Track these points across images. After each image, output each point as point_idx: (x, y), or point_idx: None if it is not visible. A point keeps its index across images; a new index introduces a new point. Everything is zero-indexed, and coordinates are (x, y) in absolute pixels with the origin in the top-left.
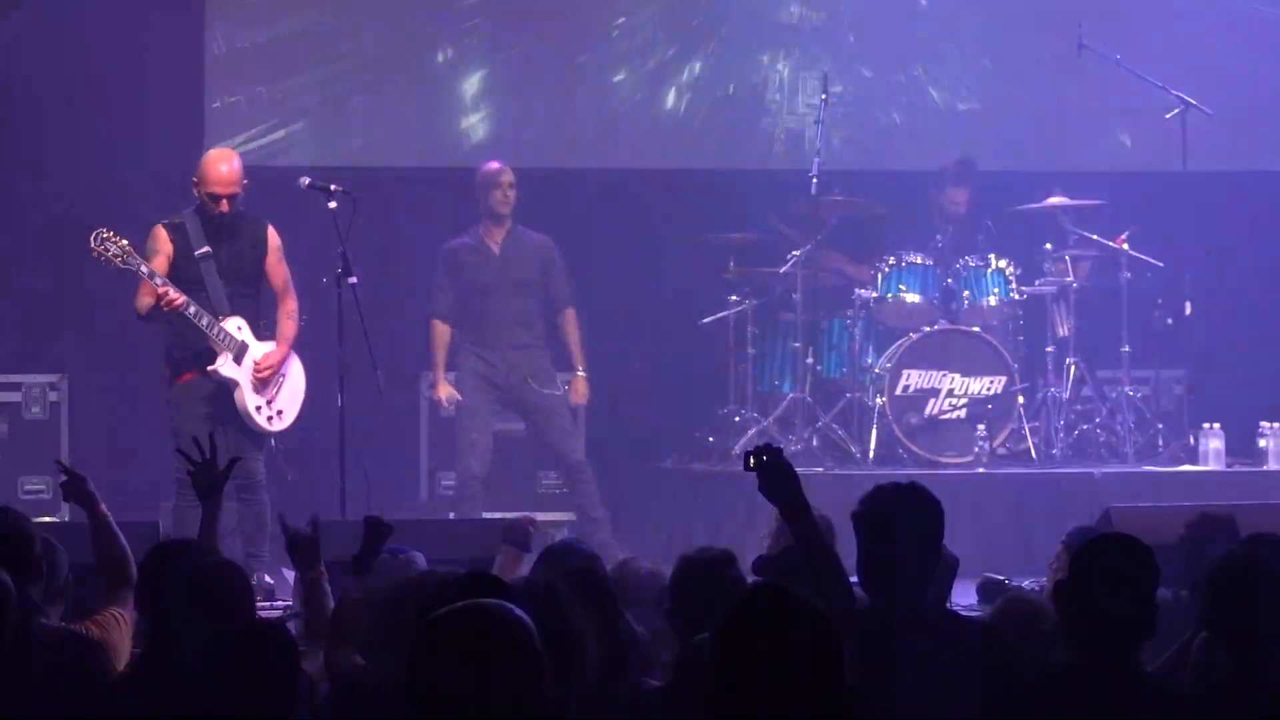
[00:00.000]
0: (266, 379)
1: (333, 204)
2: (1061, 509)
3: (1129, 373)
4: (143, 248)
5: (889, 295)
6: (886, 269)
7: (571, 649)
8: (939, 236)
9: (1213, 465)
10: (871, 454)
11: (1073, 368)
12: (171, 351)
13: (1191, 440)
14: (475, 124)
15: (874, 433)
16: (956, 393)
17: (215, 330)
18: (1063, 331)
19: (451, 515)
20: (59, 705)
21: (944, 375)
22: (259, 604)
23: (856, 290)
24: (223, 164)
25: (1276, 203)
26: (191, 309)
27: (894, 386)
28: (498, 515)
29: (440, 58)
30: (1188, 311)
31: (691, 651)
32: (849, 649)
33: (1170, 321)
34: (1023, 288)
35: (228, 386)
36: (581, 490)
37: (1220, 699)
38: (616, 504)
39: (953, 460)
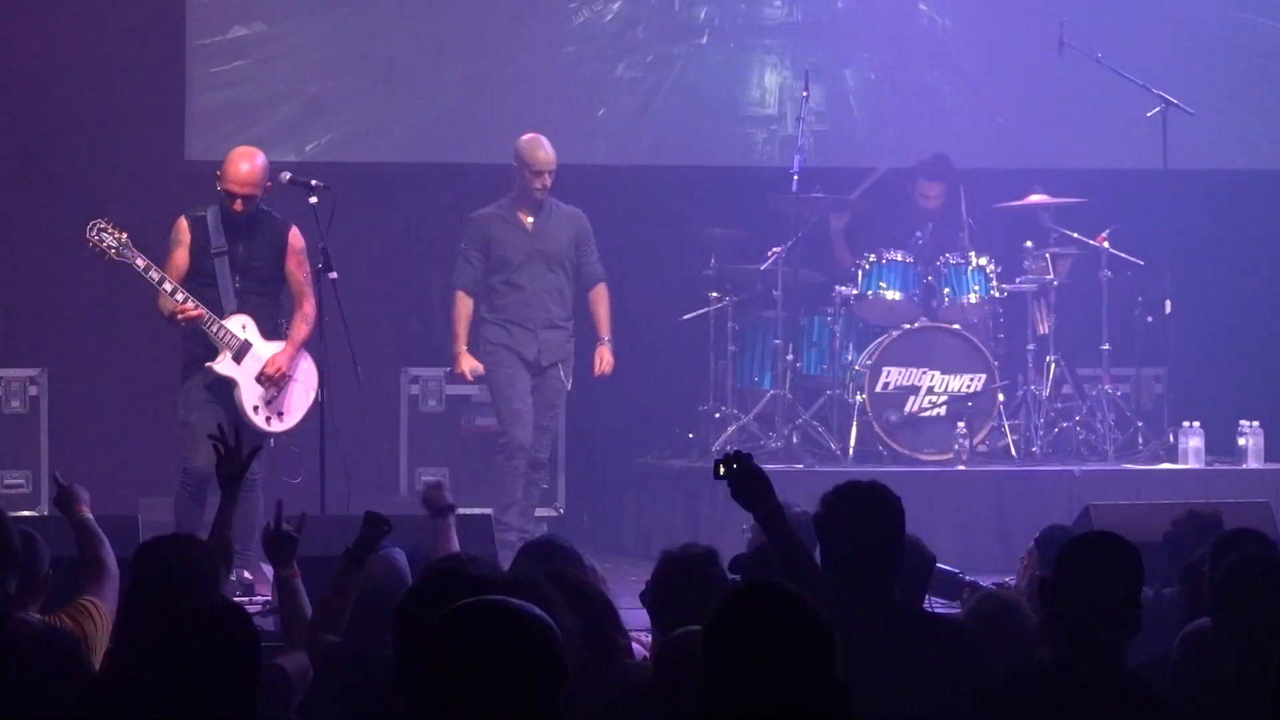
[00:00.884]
0: (269, 379)
1: (314, 199)
2: (1041, 507)
3: (1109, 371)
4: (166, 238)
5: (869, 292)
6: (867, 266)
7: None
8: (919, 233)
9: (1192, 463)
10: (851, 451)
11: (1053, 366)
12: (184, 345)
13: (1171, 438)
14: (457, 119)
15: (854, 430)
16: (936, 390)
17: (216, 328)
18: (1043, 329)
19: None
20: (35, 700)
21: (924, 372)
22: (237, 599)
23: (837, 287)
24: (243, 162)
25: (1257, 202)
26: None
27: (874, 383)
28: (475, 512)
29: (422, 53)
30: (1168, 310)
31: (673, 645)
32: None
33: (1150, 320)
34: (1003, 285)
35: (229, 384)
36: (528, 491)
37: (1221, 698)
38: (595, 499)
39: (932, 457)
